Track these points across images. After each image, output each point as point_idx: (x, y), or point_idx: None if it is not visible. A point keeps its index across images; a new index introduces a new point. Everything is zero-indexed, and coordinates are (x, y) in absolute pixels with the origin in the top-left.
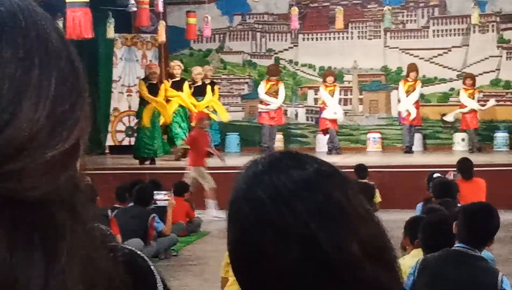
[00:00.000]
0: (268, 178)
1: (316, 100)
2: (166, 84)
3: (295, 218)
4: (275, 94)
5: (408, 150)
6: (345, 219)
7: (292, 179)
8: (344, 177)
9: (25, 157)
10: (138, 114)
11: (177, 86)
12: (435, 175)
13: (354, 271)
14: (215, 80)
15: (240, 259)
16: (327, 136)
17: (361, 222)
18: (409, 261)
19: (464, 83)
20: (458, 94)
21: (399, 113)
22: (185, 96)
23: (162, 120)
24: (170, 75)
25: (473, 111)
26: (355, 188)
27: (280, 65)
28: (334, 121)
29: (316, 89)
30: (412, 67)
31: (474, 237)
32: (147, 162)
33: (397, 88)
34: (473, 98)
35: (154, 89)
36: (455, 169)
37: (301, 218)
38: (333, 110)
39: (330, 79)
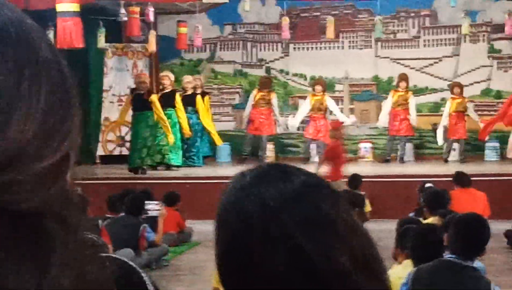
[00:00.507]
0: (255, 190)
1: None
2: (154, 98)
3: (283, 229)
4: (265, 104)
5: (386, 161)
6: (333, 230)
7: (280, 191)
8: (331, 189)
9: (15, 169)
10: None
11: (168, 98)
12: (427, 185)
13: (343, 282)
14: (206, 90)
15: (228, 271)
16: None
17: (349, 233)
18: (401, 272)
19: (452, 92)
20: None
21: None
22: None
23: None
24: (160, 87)
25: (461, 120)
26: (343, 199)
27: (271, 75)
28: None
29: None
30: (402, 77)
31: (466, 248)
32: (139, 172)
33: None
34: (464, 108)
35: (140, 100)
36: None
37: (288, 230)
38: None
39: (317, 88)
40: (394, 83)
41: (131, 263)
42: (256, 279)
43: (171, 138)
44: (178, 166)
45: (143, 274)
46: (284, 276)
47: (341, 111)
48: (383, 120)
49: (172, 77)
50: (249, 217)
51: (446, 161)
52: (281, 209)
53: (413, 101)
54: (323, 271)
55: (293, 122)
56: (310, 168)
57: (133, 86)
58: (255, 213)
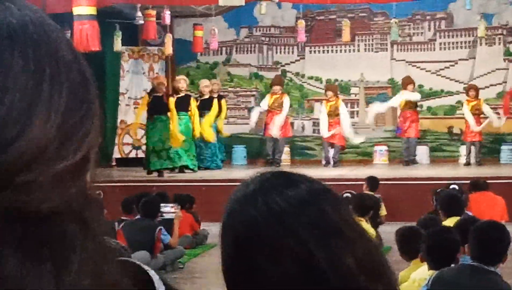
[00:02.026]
0: (260, 198)
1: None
2: (171, 101)
3: (290, 235)
4: (279, 106)
5: (407, 164)
6: (340, 235)
7: (285, 197)
8: (335, 195)
9: (35, 170)
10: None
11: (183, 102)
12: (452, 186)
13: (350, 286)
14: (222, 94)
15: (235, 278)
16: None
17: (355, 237)
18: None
19: (467, 94)
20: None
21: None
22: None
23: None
24: (175, 90)
25: (477, 123)
26: (346, 204)
27: (286, 78)
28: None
29: (322, 102)
30: (407, 80)
31: (487, 255)
32: (155, 174)
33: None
34: (480, 110)
35: (159, 102)
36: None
37: (296, 235)
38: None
39: (328, 94)
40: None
41: (146, 267)
42: (264, 285)
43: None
44: (192, 170)
45: (158, 278)
46: (292, 281)
47: (357, 114)
48: (384, 106)
49: (187, 80)
50: (255, 223)
51: (468, 164)
52: (288, 214)
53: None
54: (331, 274)
55: (324, 133)
56: (331, 172)
57: (149, 88)
58: (261, 219)
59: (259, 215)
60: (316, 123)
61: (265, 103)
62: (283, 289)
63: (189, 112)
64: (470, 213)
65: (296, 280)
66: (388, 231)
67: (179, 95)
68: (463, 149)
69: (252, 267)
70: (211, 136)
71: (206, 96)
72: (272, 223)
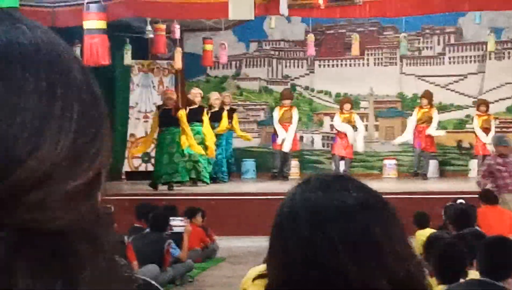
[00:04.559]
0: (313, 197)
1: (332, 126)
2: (182, 113)
3: (327, 243)
4: (289, 120)
5: (416, 175)
6: (378, 255)
7: (334, 204)
8: (390, 211)
9: (47, 188)
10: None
11: (195, 113)
12: (459, 201)
13: None
14: (234, 107)
15: (271, 257)
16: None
17: (396, 260)
18: None
19: (478, 109)
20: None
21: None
22: (205, 125)
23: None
24: (188, 102)
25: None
26: (400, 224)
27: (296, 92)
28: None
29: (332, 116)
30: (423, 94)
31: (495, 270)
32: (164, 187)
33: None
34: (489, 125)
35: (167, 116)
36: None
37: (332, 245)
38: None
39: (347, 106)
40: (419, 100)
41: (153, 282)
42: (294, 276)
43: (211, 152)
44: (206, 183)
45: None
46: (317, 284)
47: (366, 128)
48: (406, 136)
49: (202, 94)
50: (300, 224)
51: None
52: (330, 222)
53: (436, 115)
54: None
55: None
56: None
57: (159, 102)
58: (306, 221)
59: (306, 216)
60: (325, 137)
61: (276, 118)
62: (310, 285)
63: (202, 124)
64: (478, 228)
65: (325, 287)
66: None
67: (192, 107)
68: (472, 163)
69: (287, 256)
70: (213, 153)
71: (216, 109)
72: (314, 228)
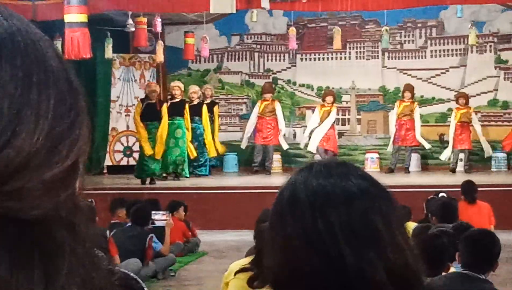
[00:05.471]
0: (315, 183)
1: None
2: (164, 108)
3: (327, 229)
4: (270, 113)
5: (390, 171)
6: (376, 243)
7: (335, 191)
8: (391, 202)
9: (24, 177)
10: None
11: (176, 107)
12: (441, 194)
13: None
14: (215, 100)
15: (271, 238)
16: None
17: (395, 249)
18: None
19: (457, 102)
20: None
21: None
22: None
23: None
24: (171, 97)
25: (466, 131)
26: (401, 215)
27: (278, 85)
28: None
29: (314, 109)
30: (406, 87)
31: (477, 263)
32: (147, 182)
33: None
34: (468, 119)
35: (151, 109)
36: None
37: (332, 232)
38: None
39: (329, 99)
40: (401, 94)
41: (133, 274)
42: (293, 261)
43: (147, 149)
44: (186, 177)
45: (144, 286)
46: (319, 274)
47: (348, 122)
48: (392, 131)
49: (182, 87)
50: (300, 208)
51: (453, 171)
52: (331, 207)
53: (418, 112)
54: (354, 280)
55: (306, 140)
56: None
57: (141, 96)
58: (307, 205)
59: (307, 200)
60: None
61: (256, 112)
62: (313, 279)
63: (184, 118)
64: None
65: (321, 274)
66: None
67: (174, 100)
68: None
69: (285, 239)
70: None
71: (195, 102)
72: (314, 212)
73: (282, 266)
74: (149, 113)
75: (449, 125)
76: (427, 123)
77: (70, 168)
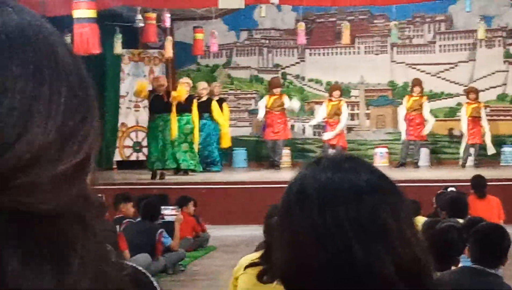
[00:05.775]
0: (323, 177)
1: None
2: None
3: (336, 224)
4: (279, 107)
5: (401, 165)
6: (385, 238)
7: (344, 185)
8: (400, 196)
9: (35, 171)
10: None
11: (185, 103)
12: (449, 189)
13: (384, 288)
14: (223, 97)
15: (280, 236)
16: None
17: (404, 244)
18: None
19: (467, 97)
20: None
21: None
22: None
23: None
24: (197, 97)
25: (477, 126)
26: (410, 209)
27: (287, 80)
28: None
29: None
30: (416, 82)
31: (487, 258)
32: (157, 177)
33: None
34: (479, 113)
35: (159, 102)
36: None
37: (341, 226)
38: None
39: (336, 93)
40: (410, 88)
41: (141, 269)
42: (301, 256)
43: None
44: (194, 171)
45: (153, 280)
46: (326, 268)
47: (357, 116)
48: (402, 125)
49: (191, 84)
50: (308, 203)
51: (463, 166)
52: (339, 203)
53: (427, 106)
54: (362, 275)
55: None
56: None
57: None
58: (315, 200)
59: (315, 196)
60: (316, 126)
61: (263, 106)
62: (320, 274)
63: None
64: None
65: (329, 268)
66: None
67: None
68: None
69: (293, 237)
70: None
71: (204, 98)
72: (322, 207)
73: (290, 261)
74: (157, 105)
75: (458, 120)
76: (436, 117)
77: (81, 163)
